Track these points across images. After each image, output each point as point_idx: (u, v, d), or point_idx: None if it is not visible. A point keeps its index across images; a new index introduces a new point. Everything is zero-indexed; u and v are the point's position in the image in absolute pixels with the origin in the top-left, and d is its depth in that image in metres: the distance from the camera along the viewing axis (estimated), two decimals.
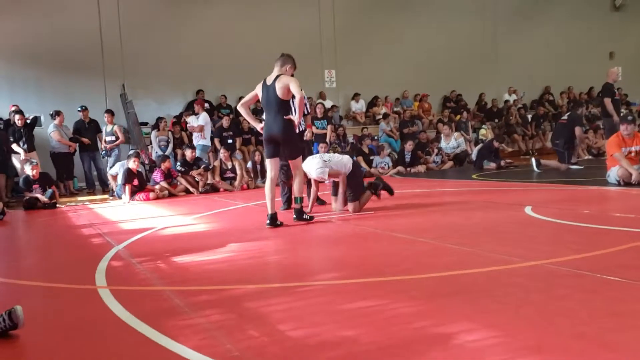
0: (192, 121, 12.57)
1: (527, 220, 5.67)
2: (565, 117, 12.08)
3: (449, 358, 2.33)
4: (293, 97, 5.99)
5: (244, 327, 2.86)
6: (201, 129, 12.33)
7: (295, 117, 6.05)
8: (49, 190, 9.98)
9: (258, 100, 6.33)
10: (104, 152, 12.34)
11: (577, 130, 11.26)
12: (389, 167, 13.33)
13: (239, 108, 6.46)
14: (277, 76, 5.97)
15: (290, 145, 6.09)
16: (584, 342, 2.39)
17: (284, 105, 5.98)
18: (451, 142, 14.77)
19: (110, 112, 12.52)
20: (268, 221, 6.04)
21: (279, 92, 5.90)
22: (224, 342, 2.65)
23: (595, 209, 6.29)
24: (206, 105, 14.84)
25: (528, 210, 6.13)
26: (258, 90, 6.15)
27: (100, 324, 3.10)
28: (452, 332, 2.60)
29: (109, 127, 12.36)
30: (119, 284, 3.99)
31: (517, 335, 2.51)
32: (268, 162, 6.25)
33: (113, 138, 12.31)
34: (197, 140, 12.41)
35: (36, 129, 12.10)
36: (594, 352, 2.30)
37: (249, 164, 12.09)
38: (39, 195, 9.81)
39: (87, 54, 13.83)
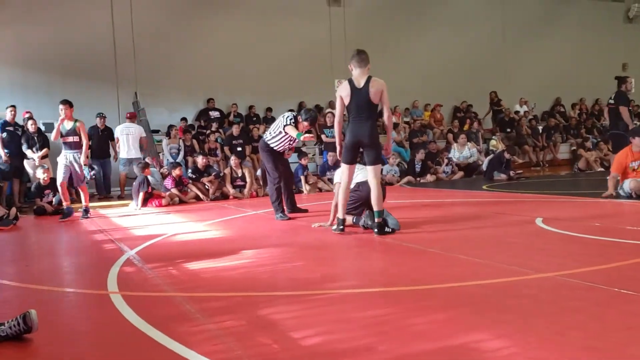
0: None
1: (537, 231, 5.65)
2: (612, 99, 11.04)
3: None
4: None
5: (255, 334, 2.87)
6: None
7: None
8: (58, 195, 10.04)
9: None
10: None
11: (623, 110, 10.48)
12: (398, 176, 13.34)
13: (337, 126, 6.10)
14: (369, 79, 5.76)
15: (375, 151, 5.89)
16: (596, 356, 2.38)
17: (374, 110, 5.83)
18: (464, 152, 14.74)
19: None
20: (342, 226, 5.90)
21: (372, 97, 5.71)
22: (234, 348, 2.66)
23: (607, 221, 6.26)
24: (217, 113, 14.96)
25: (539, 221, 6.10)
26: (343, 93, 5.88)
27: (112, 329, 3.12)
28: (463, 342, 2.60)
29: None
30: (131, 289, 4.01)
31: (527, 346, 2.51)
32: (346, 168, 5.95)
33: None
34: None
35: (48, 135, 12.19)
36: None
37: (259, 172, 12.14)
38: (46, 205, 9.87)
39: (100, 62, 13.99)
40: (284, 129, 7.61)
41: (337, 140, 6.22)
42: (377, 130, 5.99)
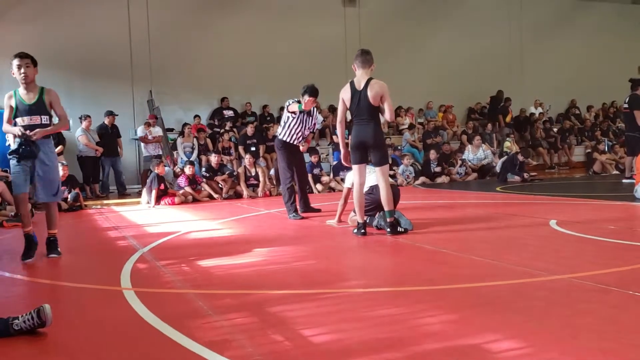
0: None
1: (551, 234, 5.61)
2: (626, 103, 11.23)
3: None
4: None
5: (267, 332, 2.88)
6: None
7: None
8: (73, 192, 10.14)
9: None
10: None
11: (637, 114, 10.52)
12: (413, 177, 13.33)
13: (338, 127, 6.14)
14: (368, 81, 5.74)
15: (381, 151, 5.88)
16: (611, 357, 2.36)
17: (376, 112, 5.81)
18: (479, 153, 14.68)
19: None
20: (363, 230, 5.83)
21: (371, 100, 5.71)
22: (246, 345, 2.67)
23: (621, 224, 6.20)
24: (231, 112, 15.01)
25: (553, 224, 6.06)
26: (345, 96, 5.91)
27: (124, 325, 3.14)
28: (476, 343, 2.59)
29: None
30: (144, 285, 4.04)
31: (541, 347, 2.49)
32: (357, 169, 5.91)
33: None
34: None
35: (64, 132, 12.33)
36: None
37: (272, 171, 12.17)
38: (62, 201, 9.92)
39: (116, 60, 14.09)
40: (287, 110, 7.60)
41: (340, 142, 6.24)
42: (381, 131, 5.97)
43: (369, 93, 5.70)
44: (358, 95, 5.77)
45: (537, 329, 2.73)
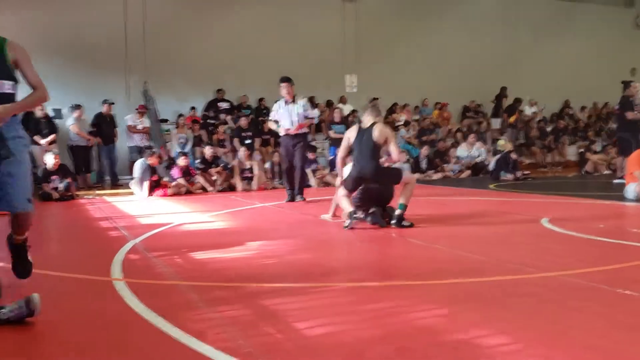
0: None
1: (542, 232, 5.64)
2: (617, 105, 11.39)
3: None
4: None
5: (258, 324, 2.88)
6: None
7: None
8: (65, 181, 10.09)
9: None
10: None
11: (629, 115, 10.63)
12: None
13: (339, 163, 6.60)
14: (373, 123, 6.12)
15: (388, 181, 6.20)
16: (599, 355, 2.38)
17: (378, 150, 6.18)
18: (473, 151, 14.75)
19: None
20: (355, 215, 5.98)
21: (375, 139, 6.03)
22: (237, 337, 2.67)
23: (611, 223, 6.24)
24: (226, 104, 14.97)
25: (544, 222, 6.09)
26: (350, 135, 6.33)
27: (114, 315, 3.13)
28: (465, 338, 2.61)
29: None
30: (135, 276, 4.03)
31: (530, 344, 2.51)
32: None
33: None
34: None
35: (56, 121, 12.27)
36: None
37: (267, 165, 12.16)
38: (52, 190, 9.88)
39: (110, 49, 13.97)
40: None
41: (339, 174, 6.60)
42: (380, 166, 6.28)
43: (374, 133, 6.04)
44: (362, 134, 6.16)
45: (526, 326, 2.76)
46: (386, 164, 6.78)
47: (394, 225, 5.89)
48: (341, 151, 6.50)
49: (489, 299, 3.26)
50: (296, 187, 8.79)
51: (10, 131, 3.31)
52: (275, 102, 8.76)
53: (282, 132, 8.75)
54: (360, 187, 6.18)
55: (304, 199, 8.73)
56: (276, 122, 8.78)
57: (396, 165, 7.00)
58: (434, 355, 2.42)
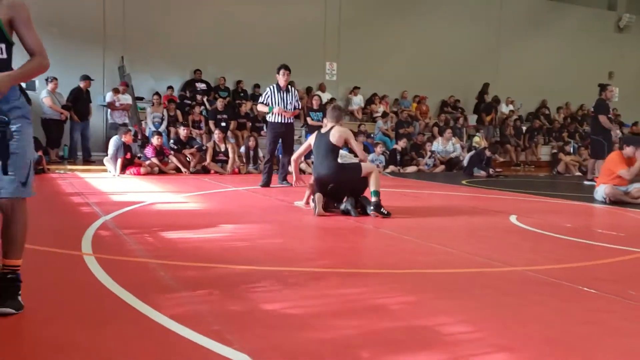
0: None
1: (510, 228, 5.76)
2: (593, 107, 11.65)
3: (425, 348, 2.39)
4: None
5: (227, 304, 2.91)
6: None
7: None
8: (36, 155, 9.93)
9: None
10: None
11: (602, 118, 10.90)
12: (384, 165, 13.44)
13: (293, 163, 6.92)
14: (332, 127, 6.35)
15: (352, 177, 6.23)
16: (556, 347, 2.46)
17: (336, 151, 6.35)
18: (448, 146, 14.92)
19: None
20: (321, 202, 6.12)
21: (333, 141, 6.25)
22: (205, 315, 2.70)
23: (578, 223, 6.40)
24: (203, 85, 14.84)
25: (512, 218, 6.22)
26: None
27: (83, 289, 3.13)
28: (430, 324, 2.68)
29: None
30: (105, 252, 4.02)
31: (491, 333, 2.59)
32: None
33: None
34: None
35: (29, 93, 12.01)
36: (562, 356, 2.37)
37: (242, 149, 12.13)
38: None
39: (88, 23, 13.73)
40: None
41: (294, 174, 6.91)
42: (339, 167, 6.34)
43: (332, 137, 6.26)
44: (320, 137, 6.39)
45: (488, 316, 2.83)
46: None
47: (372, 213, 5.98)
48: (296, 153, 6.88)
49: (455, 289, 3.34)
50: (280, 173, 9.16)
51: (8, 101, 2.73)
52: (268, 87, 9.02)
53: (271, 118, 8.90)
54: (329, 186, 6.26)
55: (291, 184, 8.57)
56: (267, 105, 8.86)
57: (371, 157, 7.14)
58: (399, 339, 2.47)
